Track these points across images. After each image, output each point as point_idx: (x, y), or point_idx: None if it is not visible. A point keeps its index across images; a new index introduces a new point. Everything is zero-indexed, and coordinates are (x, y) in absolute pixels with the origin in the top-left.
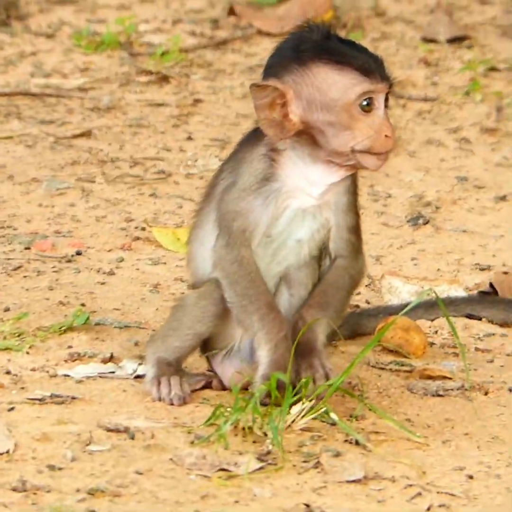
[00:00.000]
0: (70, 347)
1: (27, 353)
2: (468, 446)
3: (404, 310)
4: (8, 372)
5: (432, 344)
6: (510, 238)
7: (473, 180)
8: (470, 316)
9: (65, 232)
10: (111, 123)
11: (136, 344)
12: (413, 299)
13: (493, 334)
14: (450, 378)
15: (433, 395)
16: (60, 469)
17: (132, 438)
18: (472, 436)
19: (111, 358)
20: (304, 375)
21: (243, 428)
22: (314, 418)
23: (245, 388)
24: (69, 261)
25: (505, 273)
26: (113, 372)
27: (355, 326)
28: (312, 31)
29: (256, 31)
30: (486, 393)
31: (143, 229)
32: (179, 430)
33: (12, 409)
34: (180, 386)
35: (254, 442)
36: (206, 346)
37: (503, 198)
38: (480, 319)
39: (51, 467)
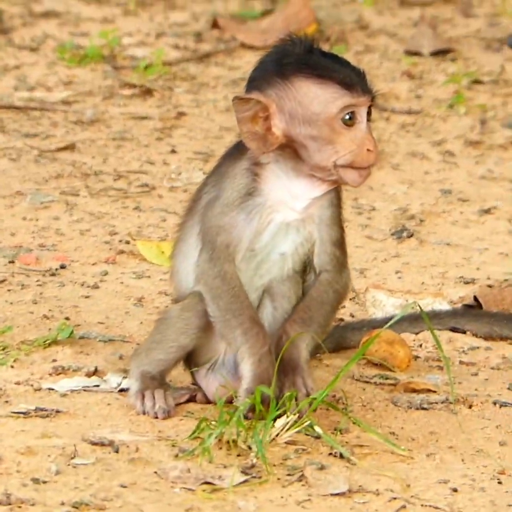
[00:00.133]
0: (54, 360)
1: (12, 366)
2: (453, 459)
3: (389, 323)
4: None
5: (416, 357)
6: (494, 251)
7: (457, 193)
8: (454, 330)
9: (49, 246)
10: (95, 136)
11: (120, 357)
12: (397, 312)
13: (478, 348)
14: (434, 391)
15: (418, 409)
16: (44, 482)
17: (117, 451)
18: (456, 449)
19: (95, 372)
20: (287, 392)
21: (228, 442)
22: (298, 432)
23: (229, 401)
24: (53, 274)
25: (490, 286)
26: (97, 386)
27: (340, 339)
28: (295, 45)
29: (240, 44)
30: (470, 407)
31: (127, 242)
32: (164, 443)
33: None
34: (164, 400)
35: (238, 455)
36: (190, 359)
37: (487, 211)
38: (464, 332)
39: (36, 481)
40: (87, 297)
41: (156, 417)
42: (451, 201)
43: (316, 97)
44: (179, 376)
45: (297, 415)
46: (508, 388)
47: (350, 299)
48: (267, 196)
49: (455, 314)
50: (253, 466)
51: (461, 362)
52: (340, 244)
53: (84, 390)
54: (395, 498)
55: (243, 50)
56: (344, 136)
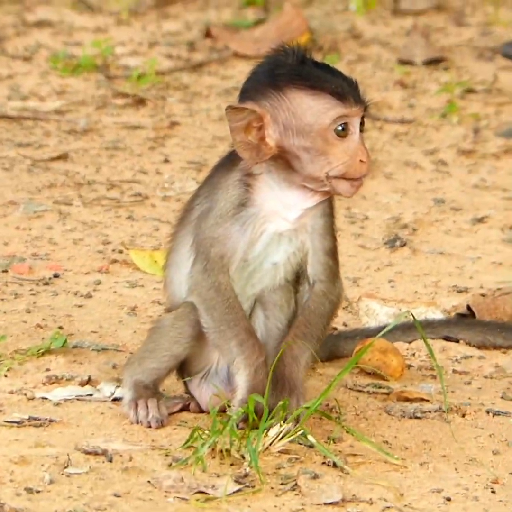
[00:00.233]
0: (48, 370)
1: (5, 376)
2: (446, 468)
3: (382, 332)
4: None
5: (409, 366)
6: (487, 260)
7: (450, 202)
8: (447, 338)
9: (42, 255)
10: (88, 145)
11: (113, 366)
12: (390, 321)
13: (471, 356)
14: (427, 400)
15: (411, 417)
16: (38, 492)
17: (110, 460)
18: (449, 458)
19: (88, 381)
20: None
21: (221, 451)
22: (291, 441)
23: (222, 410)
24: (46, 284)
25: (483, 295)
26: (91, 395)
27: (333, 348)
28: (287, 55)
29: (233, 53)
30: (463, 415)
31: (121, 251)
32: (157, 452)
33: None
34: (157, 409)
35: (231, 464)
36: (183, 369)
37: (480, 220)
38: (457, 341)
39: (29, 490)
40: (80, 306)
41: (150, 426)
42: (444, 210)
43: (309, 108)
44: (172, 385)
45: (291, 424)
46: (501, 397)
47: (343, 308)
48: (260, 206)
49: (448, 323)
50: (246, 475)
51: (454, 371)
52: (333, 253)
53: (78, 399)
54: (388, 507)
55: (236, 59)
56: (337, 147)
